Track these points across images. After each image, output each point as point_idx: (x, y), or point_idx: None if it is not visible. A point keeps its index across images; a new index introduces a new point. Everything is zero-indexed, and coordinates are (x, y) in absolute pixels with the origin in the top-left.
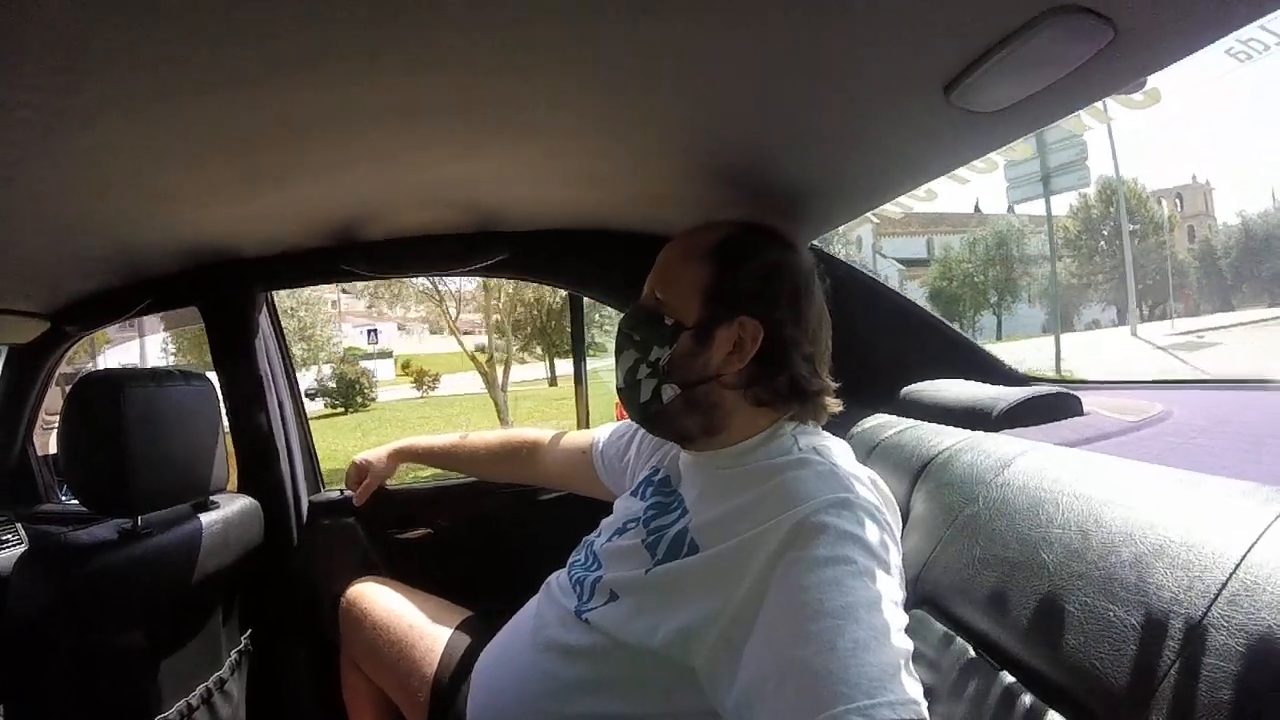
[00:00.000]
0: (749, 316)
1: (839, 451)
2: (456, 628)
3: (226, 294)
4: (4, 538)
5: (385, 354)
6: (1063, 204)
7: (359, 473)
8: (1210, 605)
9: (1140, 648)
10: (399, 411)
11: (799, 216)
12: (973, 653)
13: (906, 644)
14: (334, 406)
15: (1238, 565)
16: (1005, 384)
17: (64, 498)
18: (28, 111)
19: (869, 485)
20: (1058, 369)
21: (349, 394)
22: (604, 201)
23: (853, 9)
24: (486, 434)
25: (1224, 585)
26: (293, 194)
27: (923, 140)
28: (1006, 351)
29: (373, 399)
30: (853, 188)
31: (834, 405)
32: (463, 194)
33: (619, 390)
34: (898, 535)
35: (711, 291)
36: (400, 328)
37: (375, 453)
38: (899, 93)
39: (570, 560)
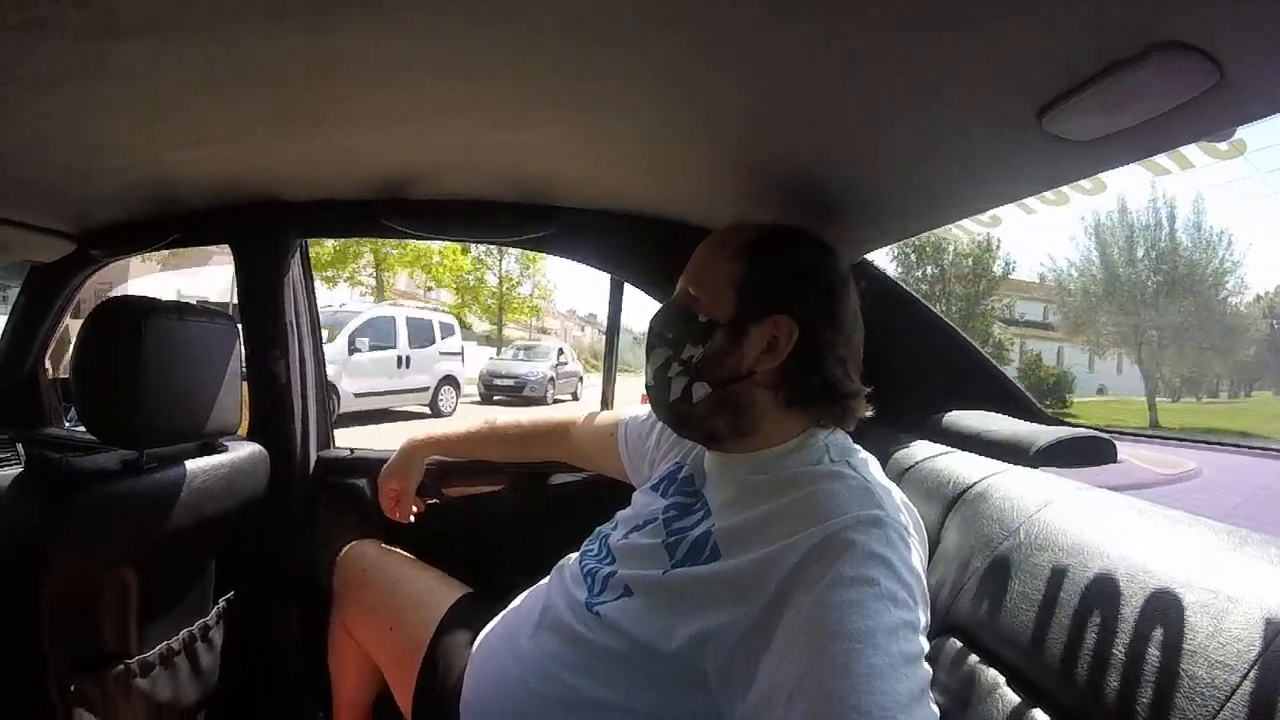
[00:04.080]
0: (784, 314)
1: (872, 466)
2: (454, 603)
3: (260, 236)
4: (2, 456)
5: None
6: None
7: (388, 492)
8: (1258, 658)
9: (1184, 695)
10: None
11: (858, 228)
12: (1004, 685)
13: (925, 672)
14: None
15: None
16: (1038, 423)
17: (69, 423)
18: (72, 15)
19: (901, 505)
20: None
21: None
22: (653, 187)
23: (955, 22)
24: (519, 418)
25: (1272, 641)
26: (339, 141)
27: (1006, 163)
28: None
29: None
30: (920, 204)
31: (864, 408)
32: (513, 162)
33: (647, 388)
34: (925, 560)
35: (745, 288)
36: None
37: (393, 461)
38: (990, 111)
39: (583, 549)
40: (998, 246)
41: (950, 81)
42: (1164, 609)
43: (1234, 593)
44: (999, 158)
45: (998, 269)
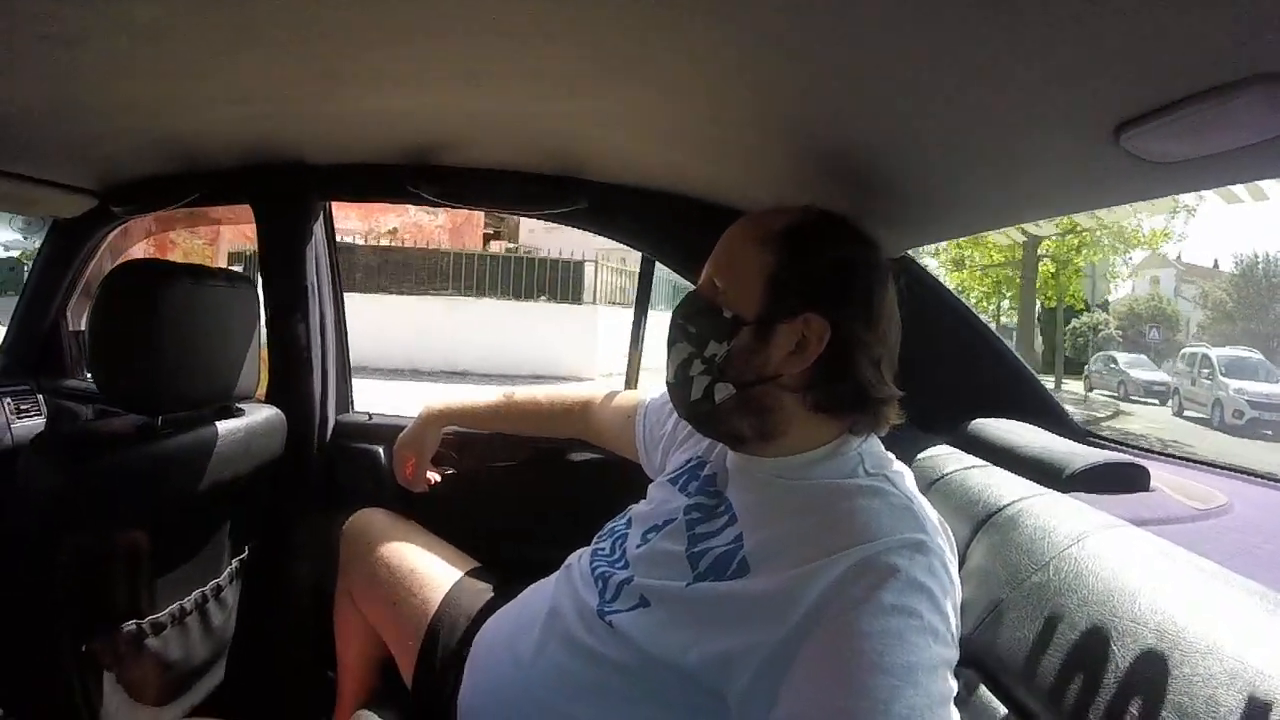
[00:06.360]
0: (815, 314)
1: (909, 480)
2: (461, 578)
3: (283, 197)
4: (23, 407)
5: None
6: None
7: (404, 461)
8: None
9: None
10: None
11: (906, 221)
12: None
13: (955, 716)
14: None
15: None
16: (1070, 437)
17: (88, 375)
18: None
19: (939, 527)
20: None
21: None
22: (692, 165)
23: (1040, 28)
24: (535, 392)
25: None
26: (369, 104)
27: (1074, 174)
28: None
29: None
30: (974, 202)
31: (896, 416)
32: (551, 133)
33: (669, 385)
34: (959, 587)
35: (776, 282)
36: None
37: (410, 430)
38: (1065, 122)
39: (594, 547)
40: None
41: (1024, 82)
42: (1190, 673)
43: (1263, 666)
44: (1067, 169)
45: None
